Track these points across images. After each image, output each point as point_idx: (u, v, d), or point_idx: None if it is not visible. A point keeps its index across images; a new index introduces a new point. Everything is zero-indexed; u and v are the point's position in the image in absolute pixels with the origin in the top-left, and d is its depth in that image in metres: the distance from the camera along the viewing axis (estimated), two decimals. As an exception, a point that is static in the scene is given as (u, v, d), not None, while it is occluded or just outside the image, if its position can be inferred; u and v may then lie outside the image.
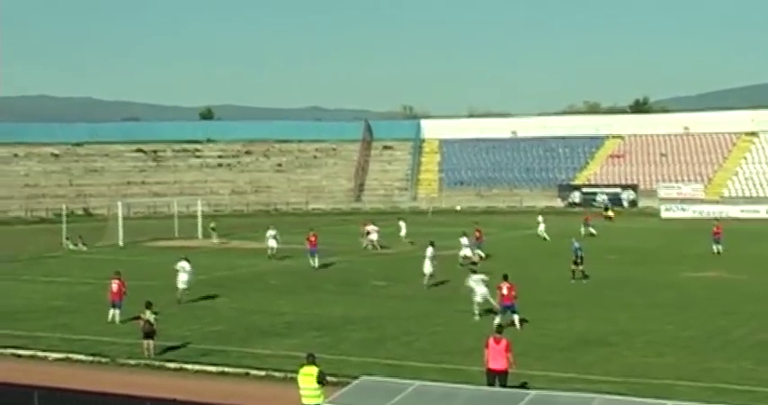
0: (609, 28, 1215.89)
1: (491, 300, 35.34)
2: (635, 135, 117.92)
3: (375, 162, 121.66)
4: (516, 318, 33.87)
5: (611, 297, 41.11)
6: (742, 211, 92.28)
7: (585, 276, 46.28)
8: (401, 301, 40.94)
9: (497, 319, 32.13)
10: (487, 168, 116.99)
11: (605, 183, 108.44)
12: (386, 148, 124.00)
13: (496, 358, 23.50)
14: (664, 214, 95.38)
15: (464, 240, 54.65)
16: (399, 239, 65.71)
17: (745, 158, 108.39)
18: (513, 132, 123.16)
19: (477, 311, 35.79)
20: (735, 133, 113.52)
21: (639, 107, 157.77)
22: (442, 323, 35.25)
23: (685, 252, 59.82)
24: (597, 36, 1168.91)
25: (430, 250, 46.38)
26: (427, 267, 45.55)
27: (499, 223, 74.46)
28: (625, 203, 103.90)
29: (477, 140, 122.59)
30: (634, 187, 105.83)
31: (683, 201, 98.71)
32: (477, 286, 35.98)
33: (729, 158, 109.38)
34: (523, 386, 23.91)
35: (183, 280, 41.66)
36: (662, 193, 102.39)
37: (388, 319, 36.29)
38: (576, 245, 48.20)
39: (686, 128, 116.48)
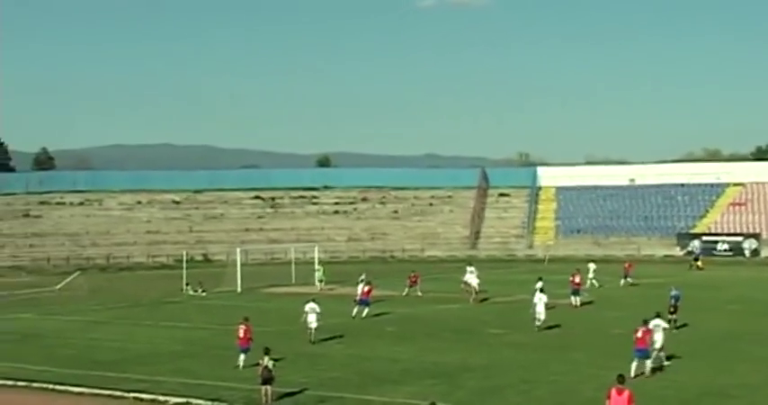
0: (728, 74, 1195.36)
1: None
2: (757, 183, 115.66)
3: (491, 209, 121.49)
4: (648, 363, 33.89)
5: (729, 348, 40.29)
6: None
7: (677, 327, 45.30)
8: (517, 348, 40.76)
9: (633, 366, 32.33)
10: (604, 216, 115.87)
11: (726, 231, 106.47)
12: (502, 195, 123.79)
13: (626, 407, 23.23)
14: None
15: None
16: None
17: None
18: (631, 180, 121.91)
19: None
20: None
21: (761, 154, 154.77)
22: (560, 372, 34.98)
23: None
24: (716, 82, 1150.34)
25: (540, 295, 46.93)
26: (541, 313, 45.91)
27: (615, 272, 73.54)
28: (747, 253, 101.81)
29: (594, 188, 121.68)
30: (756, 236, 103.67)
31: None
32: (656, 333, 35.46)
33: None
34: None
35: (312, 320, 42.84)
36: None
37: (504, 367, 36.17)
38: (674, 292, 47.66)
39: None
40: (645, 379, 32.67)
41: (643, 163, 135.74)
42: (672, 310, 46.33)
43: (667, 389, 31.42)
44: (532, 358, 38.10)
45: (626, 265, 74.77)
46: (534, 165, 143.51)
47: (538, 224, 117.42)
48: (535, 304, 46.82)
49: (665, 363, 35.63)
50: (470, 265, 64.42)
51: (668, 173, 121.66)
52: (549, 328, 46.01)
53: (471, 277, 60.97)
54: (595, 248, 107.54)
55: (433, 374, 34.57)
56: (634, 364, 33.35)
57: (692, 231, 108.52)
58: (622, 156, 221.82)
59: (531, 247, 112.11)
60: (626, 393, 23.31)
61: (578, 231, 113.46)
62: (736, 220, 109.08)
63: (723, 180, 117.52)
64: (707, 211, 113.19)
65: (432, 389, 31.32)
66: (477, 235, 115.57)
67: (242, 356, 36.09)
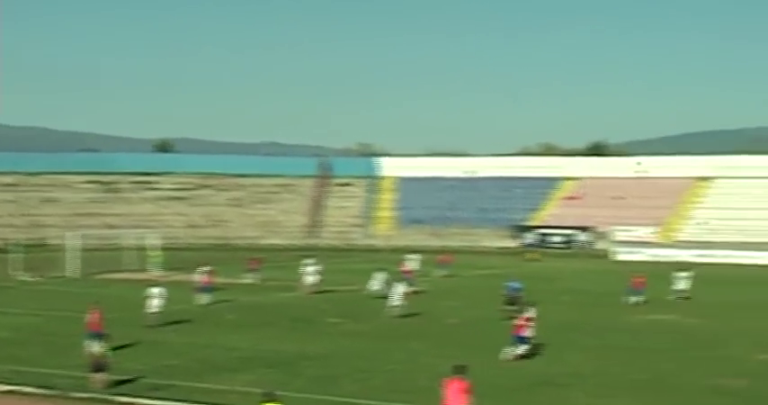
0: (566, 70, 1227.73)
1: None
2: (591, 177, 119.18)
3: (331, 198, 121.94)
4: (522, 349, 35.68)
5: (563, 338, 41.43)
6: (696, 255, 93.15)
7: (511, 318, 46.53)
8: (355, 337, 41.05)
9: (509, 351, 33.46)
10: (443, 207, 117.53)
11: (560, 224, 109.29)
12: (343, 184, 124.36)
13: (454, 399, 23.32)
14: (618, 257, 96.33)
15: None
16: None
17: (700, 203, 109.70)
18: (471, 172, 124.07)
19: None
20: (690, 178, 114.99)
21: (596, 150, 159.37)
22: (397, 361, 35.38)
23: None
24: (554, 78, 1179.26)
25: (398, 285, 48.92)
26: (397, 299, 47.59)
27: (455, 263, 74.97)
28: (580, 245, 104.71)
29: (434, 179, 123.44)
30: (589, 229, 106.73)
31: (637, 244, 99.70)
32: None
33: (684, 203, 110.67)
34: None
35: (154, 304, 43.03)
36: (616, 235, 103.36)
37: (342, 356, 36.39)
38: (514, 285, 48.98)
39: (642, 171, 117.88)
40: (481, 368, 33.32)
41: (482, 156, 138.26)
42: (510, 302, 47.55)
43: (501, 377, 32.10)
44: (370, 347, 38.43)
45: (442, 257, 75.75)
46: (376, 155, 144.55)
47: (377, 214, 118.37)
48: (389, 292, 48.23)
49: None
50: (310, 258, 63.90)
51: (506, 166, 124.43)
52: (399, 317, 46.70)
53: (310, 271, 60.11)
54: (434, 239, 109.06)
55: (271, 363, 34.53)
56: (511, 349, 35.25)
57: (528, 224, 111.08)
58: (462, 148, 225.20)
59: (370, 236, 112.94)
60: (462, 383, 23.36)
61: (418, 222, 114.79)
62: (570, 213, 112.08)
63: (559, 174, 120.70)
64: (542, 205, 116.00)
65: (269, 377, 31.26)
66: (317, 224, 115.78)
67: (91, 342, 35.24)
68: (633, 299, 54.46)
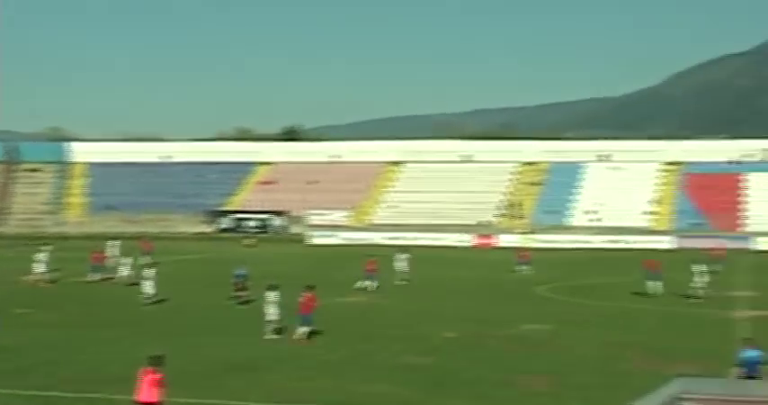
0: (260, 55, 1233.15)
1: None
2: (285, 162, 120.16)
3: (20, 185, 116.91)
4: (306, 329, 36.27)
5: (258, 322, 41.49)
6: (387, 237, 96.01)
7: (244, 302, 46.86)
8: (45, 328, 39.45)
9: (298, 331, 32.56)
10: (138, 193, 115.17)
11: (256, 209, 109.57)
12: (31, 170, 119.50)
13: (146, 390, 22.84)
14: (312, 240, 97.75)
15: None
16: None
17: (391, 187, 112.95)
18: (166, 157, 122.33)
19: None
20: (381, 163, 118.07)
21: (290, 134, 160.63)
22: (88, 351, 34.30)
23: (334, 278, 61.38)
24: (250, 63, 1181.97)
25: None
26: (148, 287, 47.01)
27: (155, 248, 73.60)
28: (276, 230, 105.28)
29: (128, 164, 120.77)
30: (284, 213, 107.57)
31: (331, 227, 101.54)
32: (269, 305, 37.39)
33: (376, 187, 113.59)
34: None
35: None
36: (311, 219, 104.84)
37: (31, 347, 34.89)
38: (240, 272, 48.89)
39: (335, 156, 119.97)
40: (177, 356, 32.81)
41: (177, 141, 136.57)
42: (239, 287, 47.77)
43: (196, 364, 31.74)
44: (60, 337, 37.07)
45: (144, 244, 74.44)
46: (66, 140, 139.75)
47: (68, 200, 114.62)
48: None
49: (274, 336, 36.97)
50: (45, 246, 59.47)
51: (201, 151, 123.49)
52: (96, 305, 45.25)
53: (41, 259, 56.83)
54: (128, 225, 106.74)
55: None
56: (298, 329, 36.22)
57: (223, 209, 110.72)
58: (157, 133, 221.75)
59: (61, 223, 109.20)
60: (154, 374, 22.87)
61: (110, 208, 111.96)
62: (266, 198, 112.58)
63: (253, 159, 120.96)
64: (238, 190, 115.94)
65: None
66: (3, 211, 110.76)
67: None
68: (365, 283, 54.58)
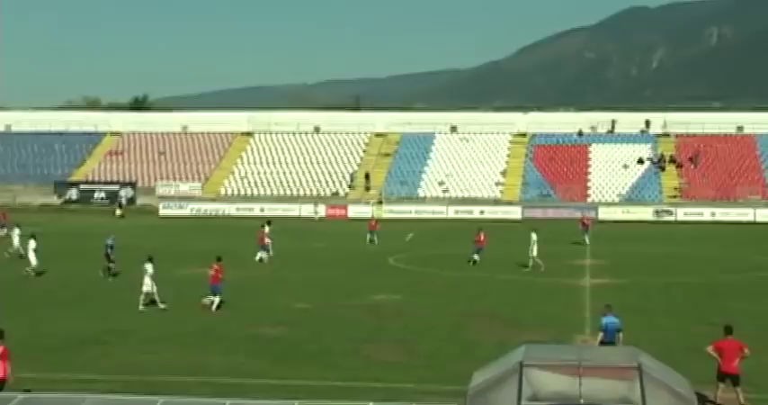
0: (110, 23, 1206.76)
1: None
2: (134, 133, 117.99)
3: None
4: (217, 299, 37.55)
5: (107, 296, 40.89)
6: (238, 209, 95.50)
7: (113, 275, 46.62)
8: None
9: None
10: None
11: (103, 180, 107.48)
12: None
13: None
14: (162, 212, 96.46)
15: None
16: None
17: (241, 158, 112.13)
18: (7, 126, 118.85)
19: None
20: (232, 133, 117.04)
21: (139, 105, 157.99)
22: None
23: (185, 249, 60.86)
24: (98, 31, 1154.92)
25: None
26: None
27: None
28: (124, 201, 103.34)
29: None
30: (133, 184, 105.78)
31: (181, 199, 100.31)
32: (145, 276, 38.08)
33: (226, 158, 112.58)
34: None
35: None
36: (160, 190, 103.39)
37: None
38: (110, 241, 48.11)
39: (185, 127, 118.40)
40: (21, 331, 32.08)
41: (20, 109, 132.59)
42: (109, 258, 47.29)
43: (42, 337, 31.09)
44: None
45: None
46: None
47: None
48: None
49: (162, 306, 37.54)
50: None
51: (45, 120, 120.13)
52: None
53: None
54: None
55: None
56: (209, 299, 37.76)
57: (70, 180, 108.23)
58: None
59: None
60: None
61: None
62: (114, 169, 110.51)
63: (101, 129, 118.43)
64: (84, 160, 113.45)
65: None
66: None
67: None
68: (260, 255, 55.15)
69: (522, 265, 51.31)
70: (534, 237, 51.78)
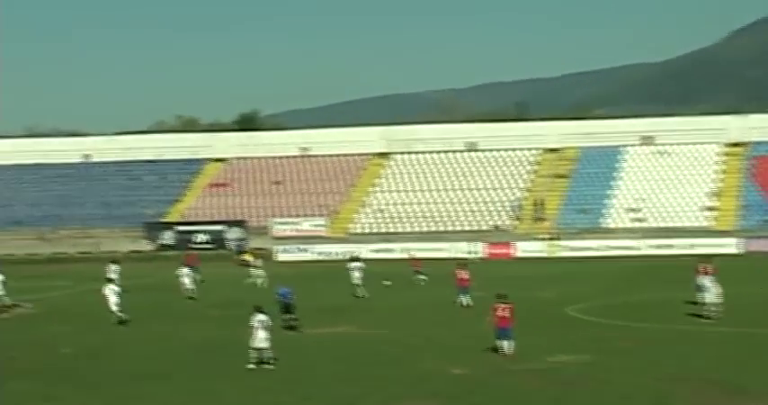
0: (207, 26, 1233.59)
1: None
2: (242, 158, 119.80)
3: None
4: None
5: (212, 362, 41.36)
6: (373, 250, 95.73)
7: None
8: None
9: None
10: (52, 203, 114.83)
11: (205, 219, 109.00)
12: None
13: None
14: (280, 257, 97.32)
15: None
16: None
17: (376, 186, 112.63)
18: (86, 156, 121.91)
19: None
20: (363, 155, 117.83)
21: (247, 123, 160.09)
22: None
23: (307, 303, 61.24)
24: (193, 36, 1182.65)
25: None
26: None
27: (72, 275, 73.35)
28: (231, 244, 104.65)
29: (38, 166, 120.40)
30: (241, 224, 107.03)
31: (301, 240, 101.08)
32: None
33: (357, 186, 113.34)
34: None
35: None
36: (276, 230, 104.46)
37: None
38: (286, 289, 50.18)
39: (304, 149, 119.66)
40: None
41: (101, 135, 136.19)
42: (285, 309, 49.68)
43: None
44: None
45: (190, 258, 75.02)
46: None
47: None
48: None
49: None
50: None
51: (133, 147, 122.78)
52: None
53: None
54: (42, 245, 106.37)
55: None
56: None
57: (164, 220, 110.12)
58: (74, 126, 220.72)
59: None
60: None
61: (18, 223, 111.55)
62: (218, 204, 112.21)
63: (201, 155, 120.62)
64: (182, 195, 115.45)
65: None
66: None
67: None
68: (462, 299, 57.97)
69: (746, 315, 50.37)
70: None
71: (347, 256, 79.31)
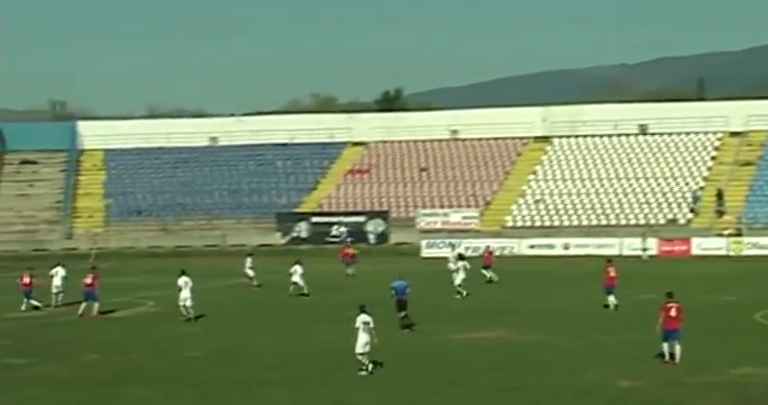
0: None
1: None
2: (384, 142, 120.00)
3: (9, 183, 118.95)
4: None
5: (348, 368, 41.47)
6: (532, 246, 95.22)
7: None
8: (52, 385, 39.86)
9: None
10: (176, 191, 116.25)
11: (344, 209, 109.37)
12: (26, 162, 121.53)
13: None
14: (426, 252, 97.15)
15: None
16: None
17: (535, 174, 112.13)
18: (212, 139, 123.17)
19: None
20: (520, 139, 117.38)
21: (390, 103, 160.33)
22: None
23: (453, 306, 61.18)
24: (326, 10, 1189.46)
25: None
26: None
27: (196, 269, 73.80)
28: (372, 237, 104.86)
29: (159, 151, 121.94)
30: (383, 215, 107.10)
31: (450, 233, 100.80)
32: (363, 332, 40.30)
33: (514, 174, 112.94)
34: None
35: None
36: (422, 222, 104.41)
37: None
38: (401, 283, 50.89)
39: (454, 131, 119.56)
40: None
41: (228, 116, 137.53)
42: (401, 306, 50.77)
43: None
44: (74, 399, 37.44)
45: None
46: (73, 118, 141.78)
47: (80, 204, 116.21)
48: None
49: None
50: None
51: (263, 129, 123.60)
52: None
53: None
54: (164, 237, 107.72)
55: None
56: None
57: (298, 210, 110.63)
58: (200, 106, 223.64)
59: (71, 237, 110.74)
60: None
61: (139, 213, 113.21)
62: (357, 193, 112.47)
63: (339, 139, 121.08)
64: (318, 183, 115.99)
65: None
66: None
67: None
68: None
69: None
70: None
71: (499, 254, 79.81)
